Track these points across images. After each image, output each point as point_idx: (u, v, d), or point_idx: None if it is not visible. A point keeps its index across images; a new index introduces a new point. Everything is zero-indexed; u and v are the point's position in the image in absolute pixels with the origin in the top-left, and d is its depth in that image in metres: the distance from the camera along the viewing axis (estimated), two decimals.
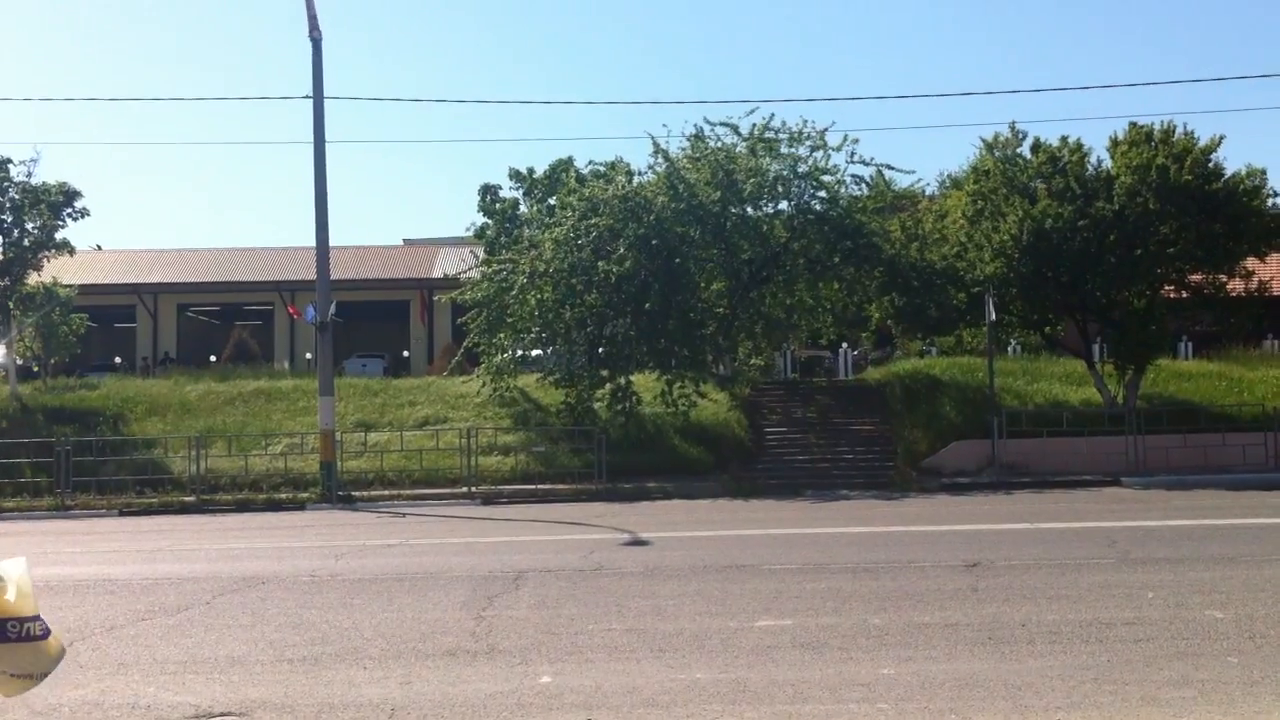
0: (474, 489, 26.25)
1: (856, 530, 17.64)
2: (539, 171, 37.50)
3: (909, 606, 10.45)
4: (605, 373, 29.48)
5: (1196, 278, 29.84)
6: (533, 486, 26.47)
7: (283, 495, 26.21)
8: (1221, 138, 28.86)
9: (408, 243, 61.30)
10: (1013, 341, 36.21)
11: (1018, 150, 30.60)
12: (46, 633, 4.38)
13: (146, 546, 18.29)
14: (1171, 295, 30.39)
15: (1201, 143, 28.91)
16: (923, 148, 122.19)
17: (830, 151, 31.11)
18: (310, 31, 27.22)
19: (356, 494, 26.17)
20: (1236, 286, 30.60)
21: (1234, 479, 25.12)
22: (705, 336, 30.35)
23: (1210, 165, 28.70)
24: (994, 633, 9.23)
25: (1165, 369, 32.11)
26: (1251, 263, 30.39)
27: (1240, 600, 10.43)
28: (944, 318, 30.76)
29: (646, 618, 10.29)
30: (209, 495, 26.25)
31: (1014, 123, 31.02)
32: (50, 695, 7.66)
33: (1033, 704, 7.15)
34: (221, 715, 7.43)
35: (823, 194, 31.38)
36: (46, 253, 34.43)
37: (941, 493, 24.95)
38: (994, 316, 28.28)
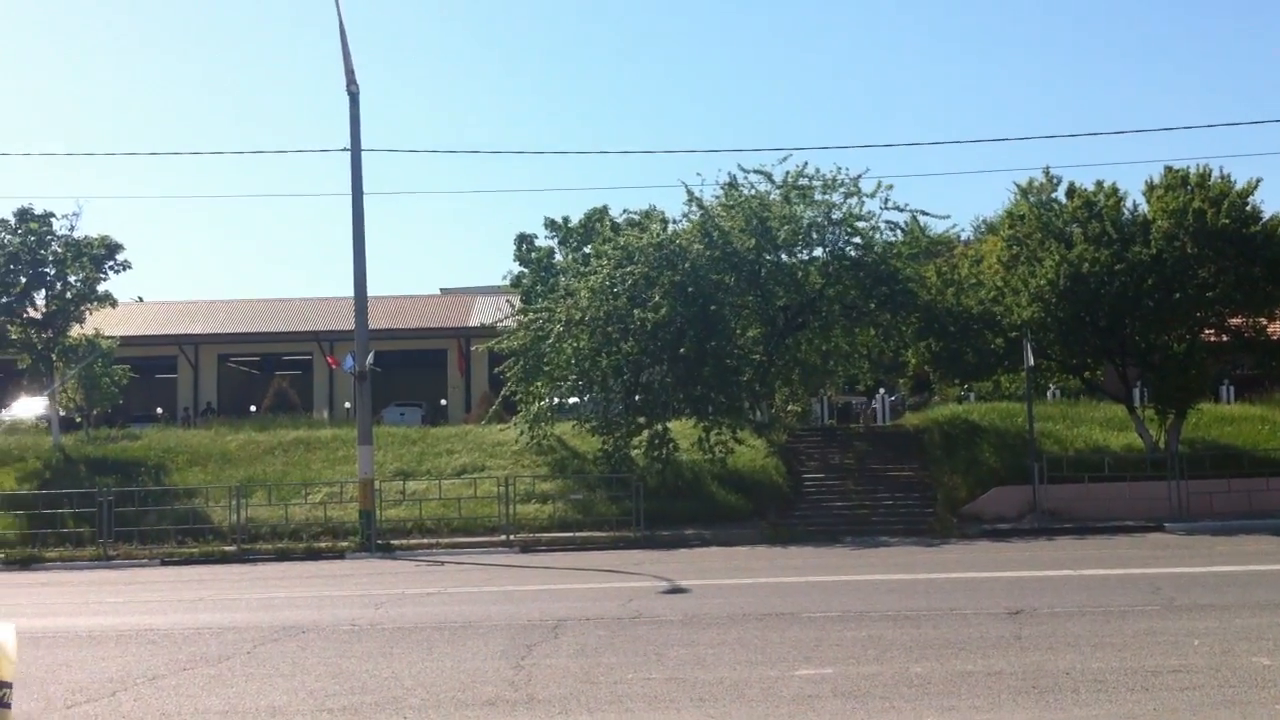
0: (512, 537, 26.25)
1: (897, 577, 17.53)
2: (574, 220, 37.72)
3: (951, 655, 10.37)
4: (642, 420, 29.48)
5: (1236, 321, 29.62)
6: (571, 534, 26.45)
7: (322, 544, 26.30)
8: (1259, 180, 28.77)
9: (445, 292, 61.72)
10: (1052, 386, 35.98)
11: (1053, 195, 30.51)
12: (7, 706, 4.39)
13: (188, 596, 18.39)
14: (1211, 339, 30.17)
15: (1238, 186, 28.78)
16: (957, 193, 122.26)
17: (864, 198, 31.15)
18: (348, 85, 27.54)
19: (395, 542, 26.21)
20: (1277, 330, 30.35)
21: (1278, 524, 24.81)
22: (741, 383, 30.30)
23: (1248, 208, 28.56)
24: (1038, 681, 9.15)
25: (1207, 413, 31.80)
26: None
27: None
28: (981, 363, 30.62)
29: (686, 666, 10.25)
30: (249, 544, 26.37)
31: (1048, 168, 30.97)
32: None
33: None
34: None
35: (857, 240, 31.38)
36: (89, 305, 34.87)
37: (982, 539, 24.78)
38: (1032, 361, 28.13)
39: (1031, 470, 27.36)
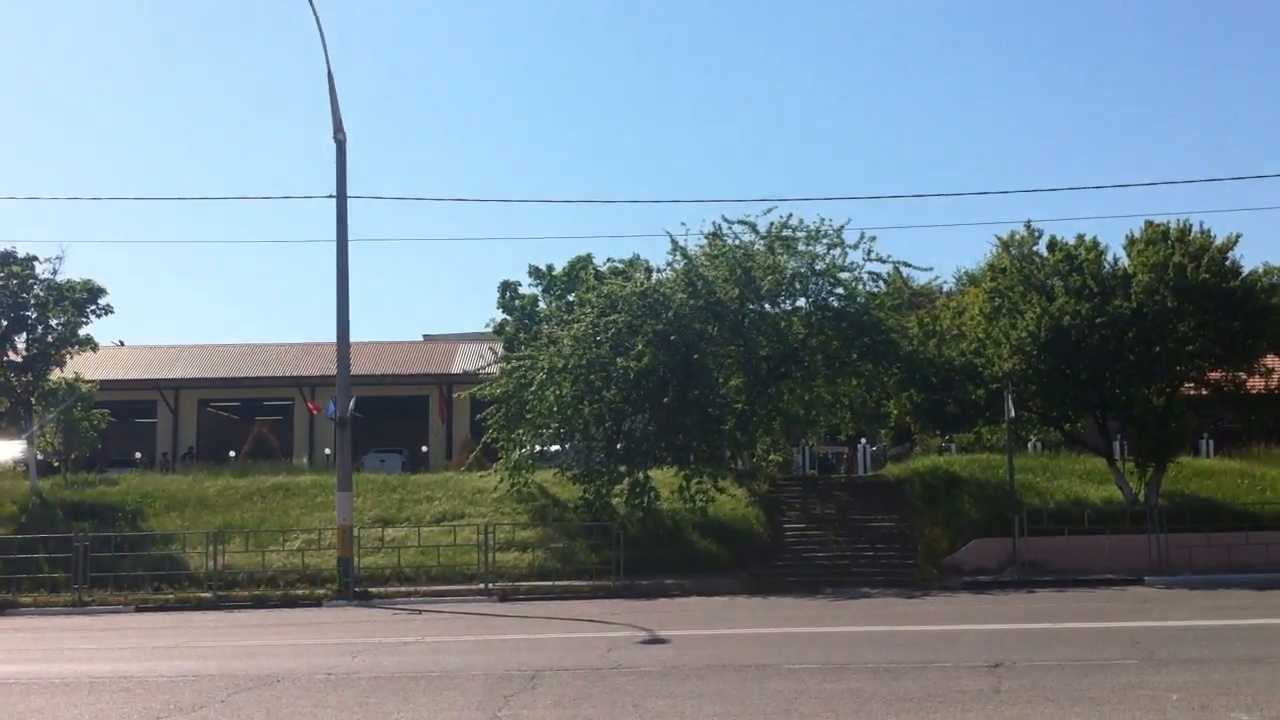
0: (491, 585, 26.09)
1: (877, 629, 17.49)
2: (558, 268, 37.81)
3: (931, 708, 10.34)
4: (623, 468, 29.42)
5: (1216, 375, 29.75)
6: (550, 583, 26.31)
7: (299, 591, 26.10)
8: (1238, 236, 28.94)
9: (427, 338, 61.64)
10: (1032, 438, 36.04)
11: (1034, 248, 30.67)
12: None
13: (163, 643, 18.22)
14: (1191, 392, 30.29)
15: (1218, 241, 29.00)
16: (940, 245, 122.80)
17: (847, 249, 31.33)
18: (335, 133, 27.64)
19: (373, 590, 26.04)
20: (1257, 384, 30.50)
21: (1258, 578, 24.82)
22: (723, 432, 30.31)
23: (1227, 263, 28.75)
24: None
25: (1187, 466, 31.89)
26: (1271, 360, 30.31)
27: (1266, 702, 10.29)
28: (963, 414, 30.68)
29: (665, 718, 10.19)
30: (226, 591, 26.15)
31: (1030, 221, 31.16)
32: None
33: None
34: None
35: (840, 291, 31.53)
36: (69, 349, 34.74)
37: (963, 591, 24.74)
38: (1013, 413, 28.20)
39: (1012, 522, 27.36)
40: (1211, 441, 38.14)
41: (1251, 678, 11.64)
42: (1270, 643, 14.65)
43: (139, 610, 25.00)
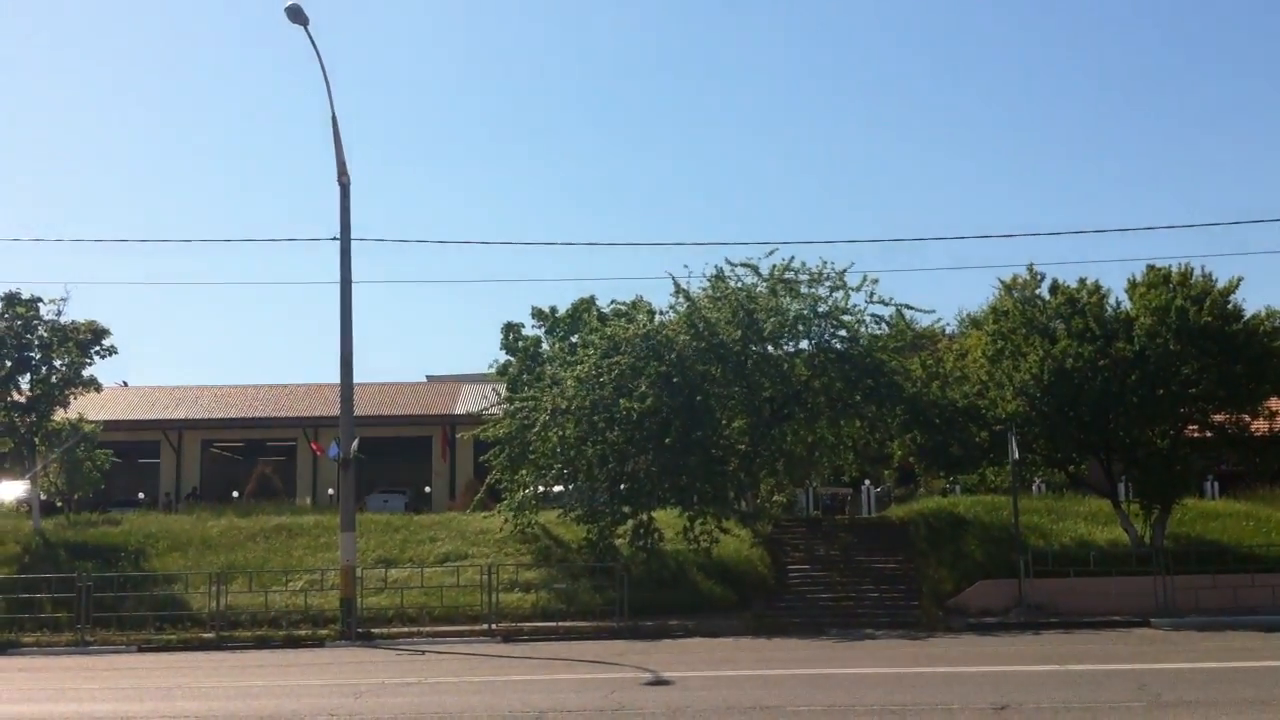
0: (494, 626, 26.01)
1: (882, 671, 17.42)
2: (561, 310, 37.88)
3: None
4: (627, 509, 29.37)
5: (1220, 417, 29.73)
6: (554, 624, 26.22)
7: (302, 632, 26.02)
8: (1240, 279, 29.01)
9: (431, 379, 61.77)
10: (1036, 480, 36.01)
11: (1036, 291, 30.74)
12: None
13: (165, 683, 18.17)
14: (1195, 435, 30.27)
15: (1220, 284, 29.07)
16: (942, 287, 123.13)
17: (850, 291, 31.38)
18: (339, 176, 27.79)
19: (376, 630, 25.96)
20: (1261, 427, 30.50)
21: (1264, 620, 24.68)
22: (727, 473, 30.28)
23: (1230, 306, 28.80)
24: None
25: (1191, 508, 31.82)
26: (1275, 403, 30.32)
27: None
28: (967, 456, 30.64)
29: None
30: (228, 632, 26.07)
31: (1032, 264, 31.19)
32: None
33: None
34: None
35: (843, 333, 31.55)
36: (73, 389, 34.80)
37: (968, 632, 24.65)
38: (1017, 455, 28.16)
39: (1017, 564, 27.26)
40: (1216, 483, 38.10)
41: None
42: (1276, 685, 14.59)
43: (141, 650, 24.92)
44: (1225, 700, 13.00)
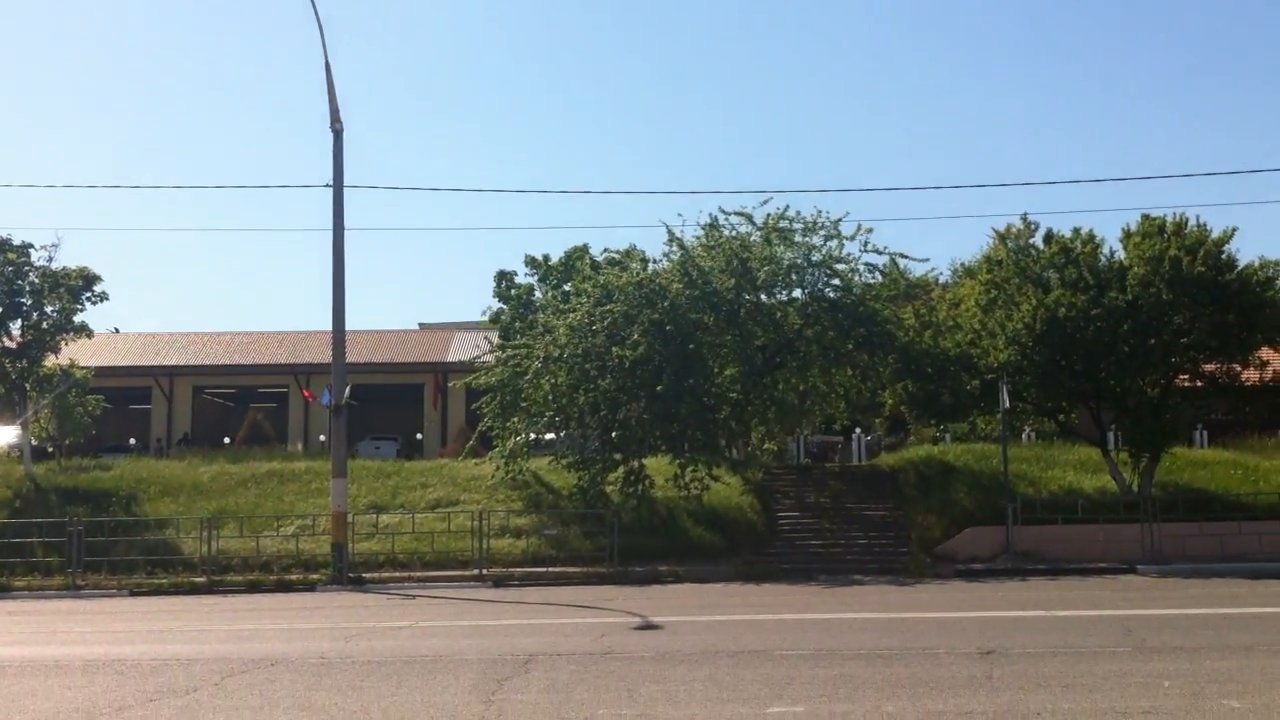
0: (485, 571, 26.13)
1: (869, 616, 17.51)
2: (554, 258, 37.78)
3: (923, 694, 10.36)
4: (618, 456, 29.46)
5: (1210, 367, 29.80)
6: (544, 569, 26.35)
7: (293, 576, 26.13)
8: (1234, 230, 28.95)
9: (423, 327, 61.70)
10: (1027, 428, 36.11)
11: (1030, 241, 30.68)
12: None
13: (156, 627, 18.24)
14: (1186, 384, 30.35)
15: (1214, 234, 29.00)
16: (936, 236, 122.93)
17: (844, 241, 31.28)
18: (332, 123, 27.60)
19: (367, 576, 26.08)
20: (1251, 376, 30.57)
21: (1251, 567, 24.92)
22: (718, 421, 30.32)
23: (1223, 257, 28.76)
24: None
25: (1180, 457, 31.95)
26: (1266, 353, 30.37)
27: (1257, 689, 10.33)
28: (958, 404, 30.70)
29: (657, 703, 10.21)
30: (219, 576, 26.19)
31: (1026, 214, 31.06)
32: None
33: None
34: None
35: (836, 282, 31.49)
36: (65, 335, 34.75)
37: (955, 579, 24.78)
38: (1008, 404, 28.22)
39: (1006, 511, 27.42)
40: (1206, 432, 38.26)
41: (1243, 666, 11.68)
42: (1262, 631, 14.69)
43: (133, 595, 25.04)
44: (1210, 646, 13.08)
